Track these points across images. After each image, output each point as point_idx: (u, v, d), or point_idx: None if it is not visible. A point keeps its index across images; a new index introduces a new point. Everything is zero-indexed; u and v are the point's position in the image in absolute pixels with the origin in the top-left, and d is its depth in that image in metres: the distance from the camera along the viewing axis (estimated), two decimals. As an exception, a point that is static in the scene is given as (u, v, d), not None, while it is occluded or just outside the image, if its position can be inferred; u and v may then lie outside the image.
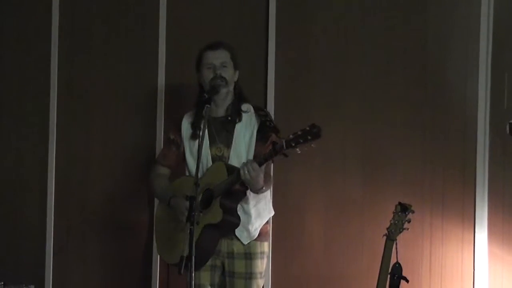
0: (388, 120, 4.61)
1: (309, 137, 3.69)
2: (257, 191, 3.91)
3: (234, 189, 3.93)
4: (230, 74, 4.08)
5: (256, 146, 4.06)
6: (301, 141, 3.70)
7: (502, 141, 4.43)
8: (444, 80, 4.55)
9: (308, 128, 3.70)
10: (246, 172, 3.80)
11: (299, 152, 3.73)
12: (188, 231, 3.54)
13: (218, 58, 4.05)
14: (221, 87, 4.03)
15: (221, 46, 4.08)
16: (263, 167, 3.86)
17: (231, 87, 4.10)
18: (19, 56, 5.22)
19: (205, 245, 3.95)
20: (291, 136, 3.72)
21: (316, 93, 4.72)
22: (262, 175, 3.85)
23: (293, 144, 3.71)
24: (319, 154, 4.65)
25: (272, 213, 4.22)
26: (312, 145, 3.71)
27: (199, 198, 3.89)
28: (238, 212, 3.99)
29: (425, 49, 4.59)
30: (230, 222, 3.96)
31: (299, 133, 3.71)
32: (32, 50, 5.18)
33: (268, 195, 4.18)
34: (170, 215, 4.07)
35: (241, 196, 3.98)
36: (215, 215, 3.91)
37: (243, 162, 3.86)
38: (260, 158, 3.84)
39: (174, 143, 4.23)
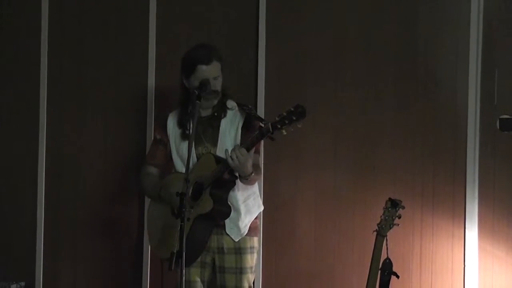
0: (378, 117, 4.61)
1: (294, 118, 3.70)
2: (247, 177, 3.88)
3: (223, 179, 3.93)
4: (221, 82, 4.08)
5: (246, 138, 4.03)
6: (287, 122, 3.71)
7: (492, 137, 4.44)
8: (435, 76, 4.56)
9: (292, 109, 3.72)
10: (235, 158, 3.80)
11: (285, 133, 3.74)
12: (179, 227, 3.54)
13: (212, 72, 4.01)
14: (214, 99, 4.05)
15: (213, 59, 4.02)
16: (251, 152, 3.86)
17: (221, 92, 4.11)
18: (8, 54, 5.19)
19: (196, 238, 3.94)
20: (276, 118, 3.74)
21: (306, 90, 4.71)
22: (250, 161, 3.85)
23: (279, 126, 3.73)
24: (309, 150, 4.67)
25: (262, 208, 4.22)
26: (298, 125, 3.72)
27: (189, 192, 3.89)
28: None
29: (416, 45, 4.59)
30: (221, 211, 3.96)
31: (284, 114, 3.72)
32: (21, 50, 5.16)
33: (256, 190, 4.18)
34: (163, 209, 4.06)
35: (230, 185, 3.97)
36: (205, 205, 3.91)
37: (231, 149, 3.85)
38: (247, 143, 3.85)
39: (161, 142, 4.21)
